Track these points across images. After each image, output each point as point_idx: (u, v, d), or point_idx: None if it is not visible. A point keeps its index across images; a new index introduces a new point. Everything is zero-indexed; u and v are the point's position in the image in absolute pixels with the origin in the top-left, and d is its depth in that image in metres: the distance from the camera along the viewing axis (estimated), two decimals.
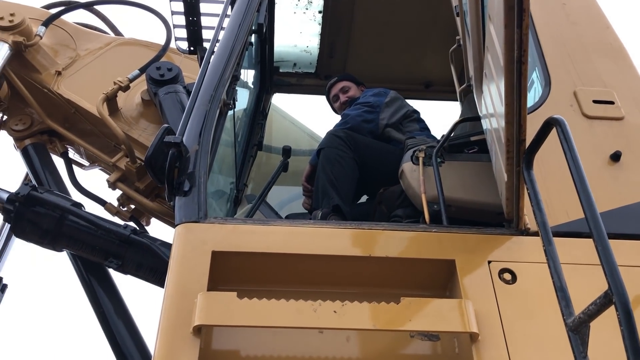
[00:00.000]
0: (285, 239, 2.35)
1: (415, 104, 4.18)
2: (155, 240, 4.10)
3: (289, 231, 2.40)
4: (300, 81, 5.11)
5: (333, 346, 2.22)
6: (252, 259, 2.30)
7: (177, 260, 2.25)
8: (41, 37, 4.88)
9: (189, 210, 2.41)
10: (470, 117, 2.95)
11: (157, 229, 4.75)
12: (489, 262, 2.28)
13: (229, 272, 2.28)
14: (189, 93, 4.48)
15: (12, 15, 4.78)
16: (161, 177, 2.49)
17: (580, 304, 1.70)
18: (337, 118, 4.34)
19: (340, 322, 2.05)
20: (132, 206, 4.64)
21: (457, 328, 2.08)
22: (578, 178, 1.73)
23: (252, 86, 4.56)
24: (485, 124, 2.68)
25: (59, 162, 4.98)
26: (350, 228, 2.42)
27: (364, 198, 3.81)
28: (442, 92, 4.98)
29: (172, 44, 4.89)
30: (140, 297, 4.80)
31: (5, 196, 4.25)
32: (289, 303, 2.07)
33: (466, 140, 2.94)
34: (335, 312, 2.06)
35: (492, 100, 2.33)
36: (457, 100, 4.83)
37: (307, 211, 3.71)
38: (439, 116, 4.85)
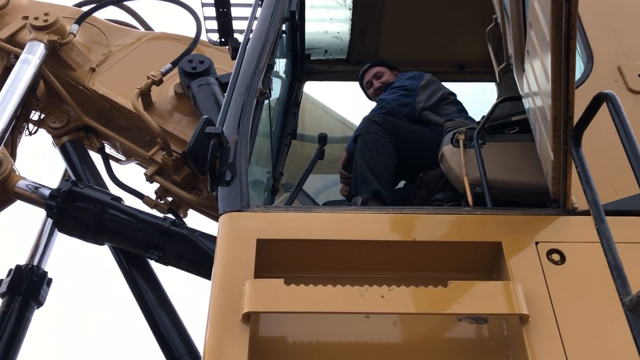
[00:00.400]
0: (328, 225, 2.35)
1: (449, 86, 4.12)
2: (194, 231, 4.15)
3: (331, 218, 2.40)
4: (332, 68, 5.07)
5: (380, 331, 2.22)
6: (296, 246, 2.31)
7: (223, 249, 2.27)
8: (75, 35, 4.96)
9: (232, 200, 2.43)
10: (511, 97, 2.89)
11: (195, 220, 4.81)
12: (537, 243, 2.24)
13: (274, 259, 2.29)
14: (221, 85, 4.52)
15: (46, 14, 4.88)
16: (203, 167, 2.52)
17: (634, 282, 1.66)
18: (370, 104, 4.31)
19: (387, 306, 2.05)
20: (170, 198, 4.70)
21: (506, 310, 2.06)
22: (632, 154, 1.68)
23: (284, 75, 4.56)
24: (527, 103, 2.63)
25: (96, 158, 5.08)
26: (393, 213, 2.41)
27: (402, 183, 3.79)
28: (476, 73, 4.90)
29: (203, 36, 4.92)
30: (178, 286, 4.85)
31: (47, 192, 4.36)
32: (336, 289, 2.07)
33: (507, 121, 2.88)
34: (382, 296, 2.05)
35: (535, 78, 2.28)
36: (492, 81, 4.77)
37: (344, 198, 3.70)
38: (470, 98, 4.77)
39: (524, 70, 2.60)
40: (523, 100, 2.73)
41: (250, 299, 2.04)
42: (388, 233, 2.36)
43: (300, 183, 3.27)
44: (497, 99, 3.08)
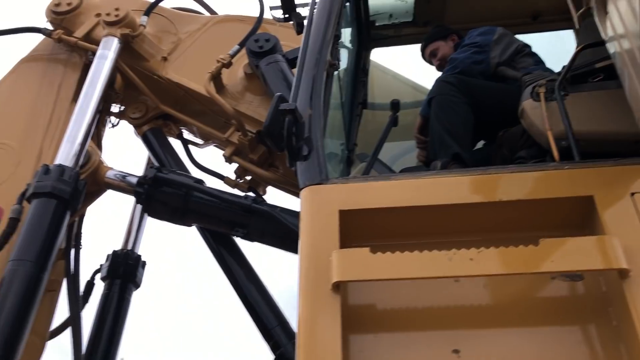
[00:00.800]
0: (409, 192, 2.33)
1: (522, 39, 3.93)
2: (275, 207, 4.25)
3: (412, 184, 2.38)
4: (399, 32, 4.95)
5: (471, 294, 2.20)
6: (379, 215, 2.31)
7: (307, 222, 2.31)
8: (145, 27, 5.12)
9: (311, 174, 2.46)
10: (594, 43, 2.72)
11: (274, 197, 4.92)
12: (632, 194, 2.13)
13: (358, 229, 2.31)
14: (288, 61, 4.53)
15: (116, 10, 5.06)
16: (280, 144, 2.55)
17: None
18: None
19: (477, 269, 2.02)
20: (249, 177, 4.82)
21: (603, 265, 1.98)
22: None
23: (349, 45, 4.52)
24: (612, 47, 2.47)
25: (176, 144, 5.27)
26: (476, 174, 2.35)
27: (481, 143, 3.69)
28: (552, 21, 4.62)
29: (267, 15, 4.94)
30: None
31: (134, 180, 4.58)
32: (423, 254, 2.07)
33: (590, 69, 2.73)
34: (471, 259, 2.03)
35: (622, 20, 2.14)
36: (569, 29, 4.51)
37: (422, 164, 3.66)
38: (546, 49, 4.52)
39: (607, 13, 2.44)
40: (607, 45, 2.57)
41: (338, 269, 2.07)
42: (472, 195, 2.31)
43: (376, 152, 3.26)
44: (577, 46, 2.91)
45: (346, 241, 2.24)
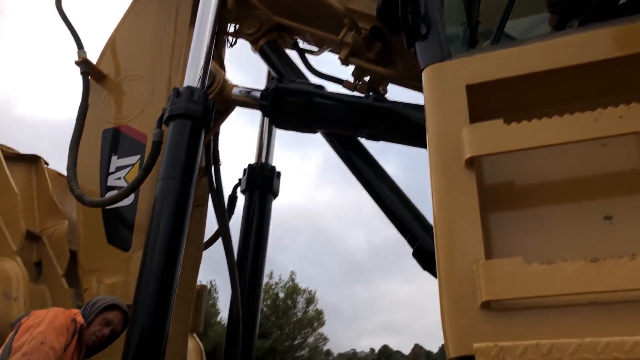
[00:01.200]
0: (545, 54, 2.13)
1: None
2: (397, 103, 4.15)
3: (547, 45, 2.16)
4: None
5: (619, 158, 2.02)
6: (511, 84, 2.15)
7: (433, 101, 2.22)
8: None
9: (432, 52, 2.34)
10: None
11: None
12: None
13: (488, 103, 2.18)
14: None
15: None
16: (396, 27, 2.44)
17: None
18: None
19: (628, 126, 1.83)
20: (367, 78, 4.73)
21: None
22: None
23: None
24: None
25: (292, 54, 5.27)
26: (620, 25, 2.09)
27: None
28: None
29: None
30: None
31: (258, 94, 4.69)
32: (564, 118, 1.91)
33: None
34: (620, 117, 1.84)
35: None
36: None
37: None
38: None
39: None
40: None
41: (471, 143, 1.99)
42: (616, 49, 2.06)
43: (502, 23, 2.99)
44: None
45: (477, 116, 2.12)
